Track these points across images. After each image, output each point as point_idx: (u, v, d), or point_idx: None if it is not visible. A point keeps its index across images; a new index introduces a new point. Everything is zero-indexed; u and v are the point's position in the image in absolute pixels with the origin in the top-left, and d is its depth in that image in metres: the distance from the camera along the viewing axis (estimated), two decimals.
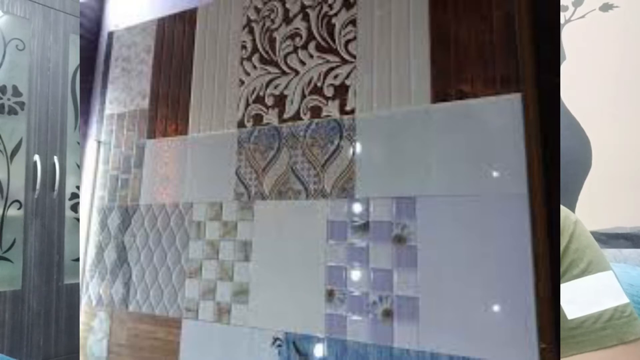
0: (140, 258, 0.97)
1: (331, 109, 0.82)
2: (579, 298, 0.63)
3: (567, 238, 0.66)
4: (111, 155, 1.07)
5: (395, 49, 0.78)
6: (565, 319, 0.62)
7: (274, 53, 0.89)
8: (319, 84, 0.84)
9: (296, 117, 0.85)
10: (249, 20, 0.94)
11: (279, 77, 0.88)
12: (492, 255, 0.66)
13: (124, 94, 1.08)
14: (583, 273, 0.64)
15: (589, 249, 0.66)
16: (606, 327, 0.61)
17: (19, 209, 1.73)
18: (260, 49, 0.91)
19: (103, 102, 1.11)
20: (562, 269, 0.64)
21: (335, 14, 0.84)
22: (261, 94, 0.89)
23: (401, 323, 0.70)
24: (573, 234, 0.67)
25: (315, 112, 0.83)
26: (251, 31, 0.93)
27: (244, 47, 0.93)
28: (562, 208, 0.70)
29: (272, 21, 0.91)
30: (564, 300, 0.63)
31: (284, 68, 0.88)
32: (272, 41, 0.90)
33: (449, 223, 0.70)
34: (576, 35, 1.85)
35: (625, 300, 0.63)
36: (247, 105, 0.91)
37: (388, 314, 0.72)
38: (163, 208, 0.97)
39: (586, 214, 1.71)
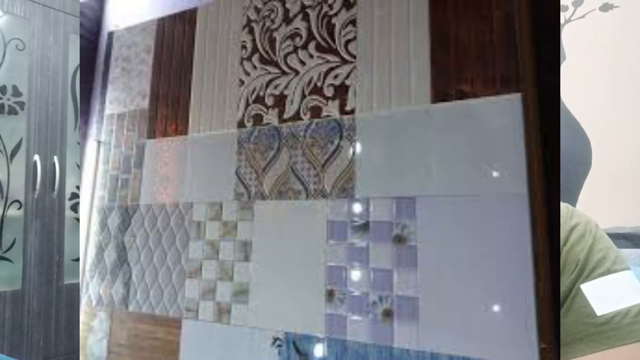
0: (140, 258, 0.97)
1: (331, 109, 0.82)
2: (607, 295, 0.64)
3: (592, 240, 0.68)
4: (111, 155, 1.07)
5: (395, 49, 0.78)
6: (594, 315, 0.63)
7: (274, 53, 0.89)
8: (319, 84, 0.84)
9: (296, 117, 0.85)
10: (249, 20, 0.94)
11: (279, 77, 0.88)
12: (492, 255, 0.66)
13: (124, 94, 1.08)
14: (609, 271, 0.65)
15: (611, 249, 0.68)
16: (635, 322, 0.62)
17: (19, 209, 1.73)
18: (260, 49, 0.91)
19: (103, 102, 1.11)
20: (589, 268, 0.66)
21: (335, 14, 0.84)
22: (261, 94, 0.89)
23: (401, 323, 0.70)
24: (596, 236, 0.68)
25: (315, 112, 0.83)
26: (251, 31, 0.93)
27: (244, 47, 0.93)
28: (582, 212, 0.72)
29: (272, 21, 0.91)
30: (592, 297, 0.64)
31: (284, 68, 0.88)
32: (272, 41, 0.90)
33: (449, 223, 0.70)
34: (576, 35, 1.85)
35: None
36: (247, 105, 0.91)
37: (388, 314, 0.72)
38: (163, 208, 0.97)
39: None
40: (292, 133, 0.85)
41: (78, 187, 1.91)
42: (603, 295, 0.64)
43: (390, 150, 0.76)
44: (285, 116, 0.86)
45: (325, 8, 0.85)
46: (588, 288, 0.65)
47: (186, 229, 0.93)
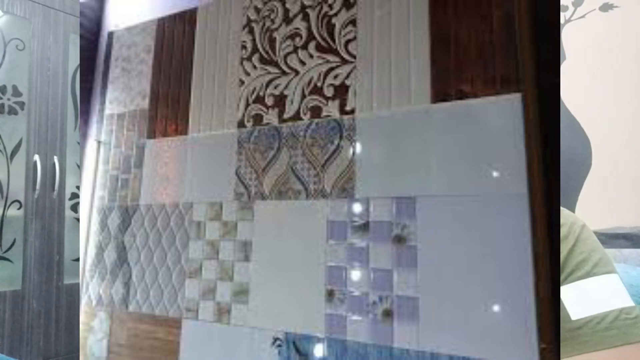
0: (140, 258, 0.97)
1: (331, 109, 0.82)
2: (584, 299, 0.63)
3: (573, 241, 0.67)
4: (111, 155, 1.07)
5: (395, 49, 0.78)
6: (569, 319, 0.62)
7: (274, 53, 0.89)
8: (319, 84, 0.84)
9: (296, 117, 0.85)
10: (249, 20, 0.94)
11: (279, 77, 0.88)
12: (492, 255, 0.66)
13: (124, 94, 1.08)
14: (588, 275, 0.64)
15: (595, 252, 0.67)
16: (611, 328, 0.61)
17: (19, 209, 1.73)
18: (260, 49, 0.91)
19: (103, 102, 1.11)
20: (568, 271, 0.65)
21: (335, 14, 0.84)
22: (261, 94, 0.89)
23: (401, 323, 0.70)
24: (579, 237, 0.67)
25: (315, 112, 0.83)
26: (251, 31, 0.93)
27: (244, 47, 0.93)
28: (570, 214, 0.71)
29: (272, 21, 0.91)
30: (568, 301, 0.63)
31: (284, 68, 0.88)
32: (272, 41, 0.90)
33: (449, 223, 0.70)
34: (576, 35, 1.85)
35: (631, 303, 0.63)
36: (247, 105, 0.91)
37: (388, 314, 0.72)
38: (163, 208, 0.97)
39: (586, 214, 1.71)
40: (292, 133, 0.85)
41: (78, 187, 1.91)
42: (580, 299, 0.63)
43: (390, 150, 0.76)
44: (285, 116, 0.86)
45: (325, 8, 0.85)
46: (564, 291, 0.63)
47: (186, 229, 0.93)
